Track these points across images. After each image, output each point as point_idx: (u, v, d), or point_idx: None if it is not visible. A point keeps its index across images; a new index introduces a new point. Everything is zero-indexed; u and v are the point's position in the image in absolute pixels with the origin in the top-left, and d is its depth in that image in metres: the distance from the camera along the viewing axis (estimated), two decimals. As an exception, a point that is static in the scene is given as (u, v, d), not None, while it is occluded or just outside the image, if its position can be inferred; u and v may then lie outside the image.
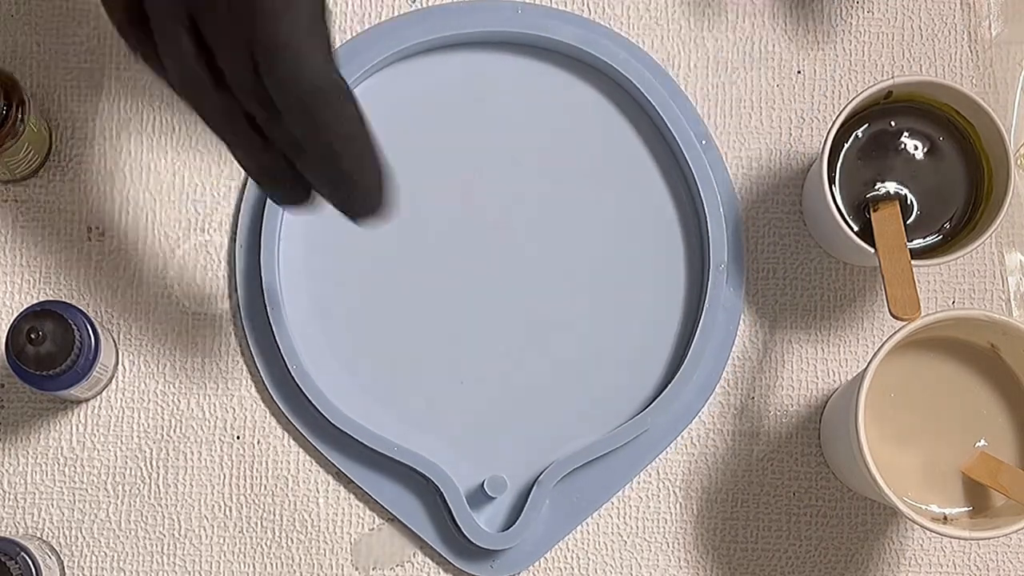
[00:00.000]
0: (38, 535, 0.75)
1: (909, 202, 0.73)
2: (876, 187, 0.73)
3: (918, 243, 0.73)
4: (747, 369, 0.77)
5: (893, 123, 0.73)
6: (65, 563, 0.75)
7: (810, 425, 0.77)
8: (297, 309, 0.76)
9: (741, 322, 0.77)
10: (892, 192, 0.72)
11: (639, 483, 0.76)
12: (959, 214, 0.73)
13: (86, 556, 0.75)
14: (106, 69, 0.78)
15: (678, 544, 0.76)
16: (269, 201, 0.76)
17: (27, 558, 0.69)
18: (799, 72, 0.79)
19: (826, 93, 0.79)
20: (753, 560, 0.76)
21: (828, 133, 0.71)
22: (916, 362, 0.68)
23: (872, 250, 0.70)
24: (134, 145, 0.78)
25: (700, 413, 0.77)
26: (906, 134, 0.73)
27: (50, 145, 0.77)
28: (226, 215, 0.77)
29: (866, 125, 0.73)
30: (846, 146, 0.73)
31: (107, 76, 0.78)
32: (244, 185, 0.77)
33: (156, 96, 0.78)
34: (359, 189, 0.59)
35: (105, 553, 0.75)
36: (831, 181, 0.72)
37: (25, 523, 0.75)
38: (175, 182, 0.78)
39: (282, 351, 0.75)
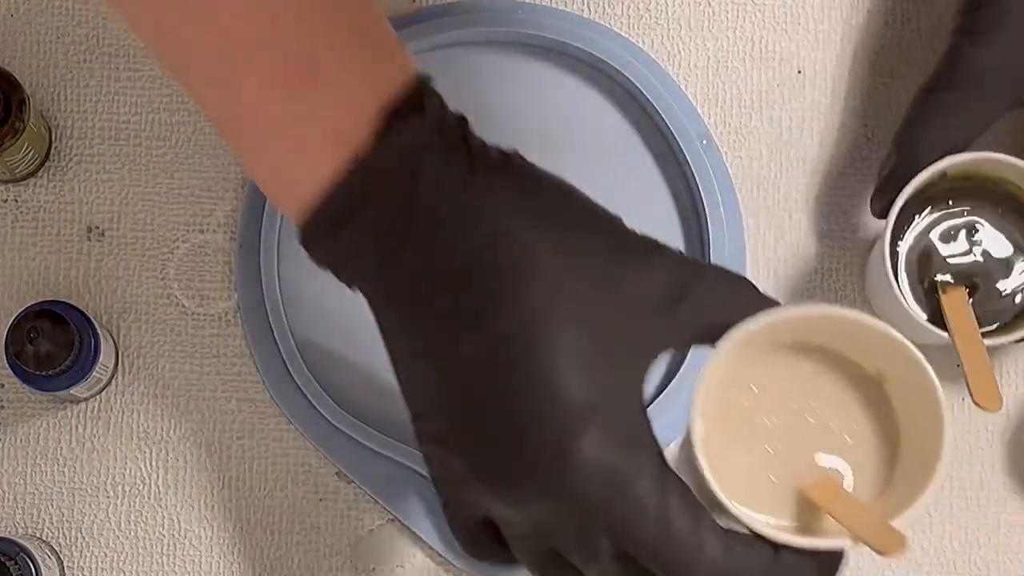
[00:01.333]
0: (38, 535, 0.75)
1: (973, 281, 0.72)
2: (941, 269, 0.73)
3: (982, 322, 0.72)
4: (747, 369, 0.77)
5: (951, 202, 0.73)
6: (65, 563, 0.75)
7: (810, 425, 0.77)
8: (297, 309, 0.76)
9: (741, 322, 0.77)
10: (958, 275, 0.72)
11: (639, 483, 0.76)
12: (1022, 288, 0.73)
13: (86, 556, 0.75)
14: (106, 69, 0.78)
15: (678, 544, 0.76)
16: (269, 201, 0.76)
17: (27, 558, 0.69)
18: (799, 72, 0.79)
19: (826, 93, 0.79)
20: (753, 560, 0.76)
21: (888, 223, 0.71)
22: (794, 367, 0.64)
23: (944, 334, 0.70)
24: (134, 145, 0.78)
25: (700, 413, 0.76)
26: (966, 212, 0.73)
27: (50, 145, 0.77)
28: (226, 215, 0.77)
29: (923, 207, 0.73)
30: (904, 229, 0.73)
31: (107, 76, 0.78)
32: (244, 185, 0.77)
33: (156, 96, 0.78)
34: None
35: (105, 553, 0.75)
36: (894, 265, 0.72)
37: (25, 523, 0.75)
38: (175, 182, 0.78)
39: (282, 351, 0.75)
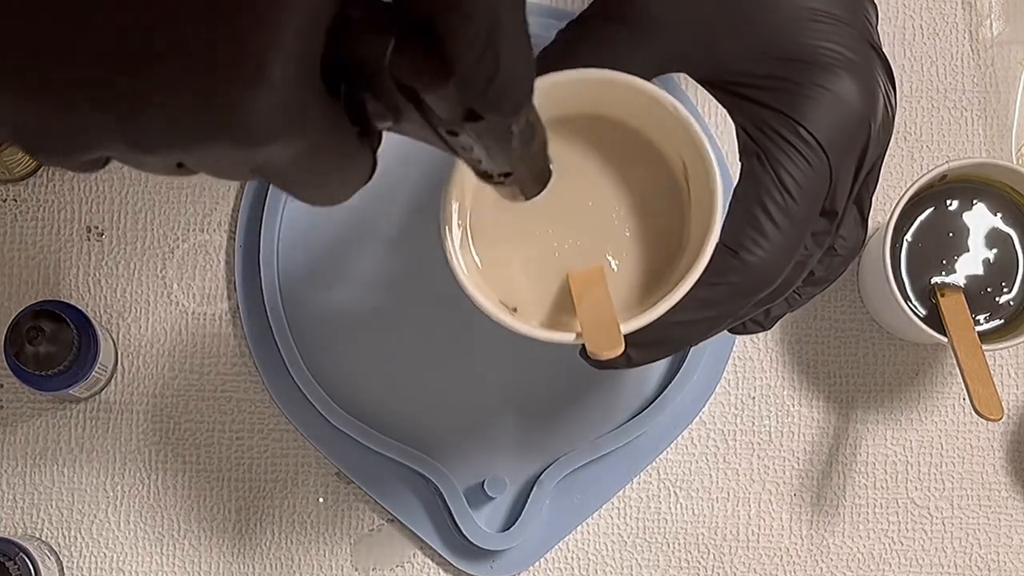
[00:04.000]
0: (38, 535, 0.75)
1: (971, 284, 0.72)
2: (938, 271, 0.72)
3: (981, 326, 0.72)
4: (747, 369, 0.77)
5: (950, 204, 0.73)
6: (65, 563, 0.75)
7: (811, 423, 0.77)
8: (296, 309, 0.76)
9: (741, 322, 0.77)
10: (956, 279, 0.72)
11: (639, 483, 0.76)
12: (1020, 292, 0.73)
13: (86, 556, 0.75)
14: (106, 69, 0.78)
15: (678, 544, 0.76)
16: (269, 201, 0.76)
17: (26, 558, 0.69)
18: (799, 72, 0.79)
19: (826, 93, 0.79)
20: (754, 559, 0.76)
21: (888, 223, 0.71)
22: (583, 147, 0.57)
23: (943, 339, 0.70)
24: (134, 145, 0.78)
25: (700, 413, 0.77)
26: (964, 215, 0.73)
27: (50, 145, 0.77)
28: (226, 215, 0.77)
29: (923, 208, 0.73)
30: (905, 229, 0.73)
31: (107, 76, 0.78)
32: (244, 185, 0.77)
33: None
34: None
35: (105, 553, 0.75)
36: (894, 266, 0.72)
37: (25, 523, 0.75)
38: (175, 182, 0.78)
39: (282, 351, 0.75)
